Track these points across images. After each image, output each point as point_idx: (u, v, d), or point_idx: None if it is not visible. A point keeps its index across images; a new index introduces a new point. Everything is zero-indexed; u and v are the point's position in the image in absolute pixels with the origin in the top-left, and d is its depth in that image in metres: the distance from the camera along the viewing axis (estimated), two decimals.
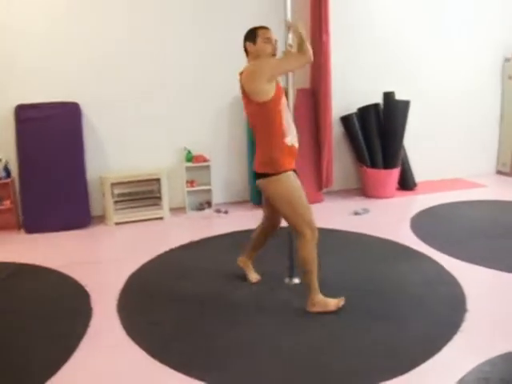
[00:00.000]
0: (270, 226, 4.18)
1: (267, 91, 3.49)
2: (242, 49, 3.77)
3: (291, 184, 3.62)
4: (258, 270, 4.41)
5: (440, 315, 3.70)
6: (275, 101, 3.52)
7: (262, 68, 3.51)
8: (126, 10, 6.29)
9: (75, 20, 6.12)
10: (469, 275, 4.40)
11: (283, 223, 3.99)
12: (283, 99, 3.65)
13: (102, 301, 4.04)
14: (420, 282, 4.30)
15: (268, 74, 3.47)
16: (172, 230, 6.15)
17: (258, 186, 3.75)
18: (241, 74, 3.67)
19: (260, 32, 3.64)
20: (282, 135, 3.58)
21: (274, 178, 3.58)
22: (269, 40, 3.63)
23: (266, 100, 3.49)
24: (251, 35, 3.67)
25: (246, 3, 6.70)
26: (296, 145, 3.69)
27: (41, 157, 5.99)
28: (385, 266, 4.69)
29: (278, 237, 4.27)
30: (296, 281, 4.24)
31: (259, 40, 3.61)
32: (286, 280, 4.28)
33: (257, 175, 3.72)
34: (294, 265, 4.19)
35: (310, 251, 3.65)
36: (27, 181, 6.02)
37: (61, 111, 6.07)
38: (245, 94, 3.60)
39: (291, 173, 3.64)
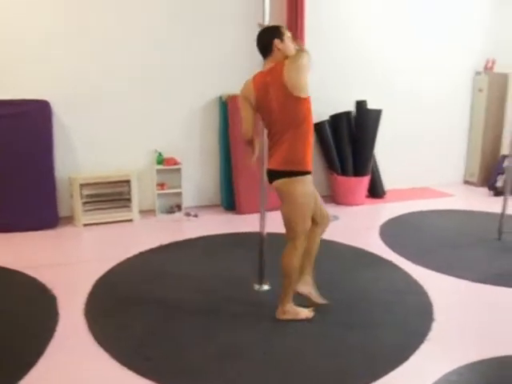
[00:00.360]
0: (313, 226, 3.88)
1: (308, 87, 3.47)
2: (257, 46, 3.64)
3: (310, 189, 3.57)
4: (226, 276, 4.40)
5: (407, 324, 3.75)
6: (309, 98, 3.51)
7: (306, 63, 3.44)
8: (101, 9, 6.21)
9: (50, 17, 6.02)
10: (436, 284, 4.48)
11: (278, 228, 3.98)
12: None
13: (69, 304, 3.98)
14: (388, 291, 4.35)
15: (309, 70, 3.46)
16: (141, 233, 6.09)
17: (276, 186, 3.61)
18: (271, 70, 3.53)
19: (284, 30, 3.59)
20: (312, 133, 3.57)
21: (299, 178, 3.50)
22: (291, 39, 3.60)
23: (307, 96, 3.46)
24: (278, 32, 3.55)
25: (223, 6, 6.70)
26: None
27: (9, 155, 5.86)
28: (353, 273, 4.74)
29: (247, 242, 4.27)
30: (266, 287, 4.25)
31: (286, 38, 3.54)
32: (256, 287, 4.28)
33: (274, 174, 3.59)
34: (264, 271, 4.21)
35: (296, 259, 3.66)
36: None
37: (30, 109, 5.95)
38: (281, 87, 3.43)
39: (311, 177, 3.58)
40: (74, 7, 6.10)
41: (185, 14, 6.56)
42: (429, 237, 5.87)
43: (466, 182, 8.87)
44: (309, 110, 3.51)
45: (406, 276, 4.66)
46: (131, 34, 6.37)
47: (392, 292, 4.32)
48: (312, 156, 3.58)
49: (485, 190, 8.28)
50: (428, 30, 8.07)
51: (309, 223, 3.66)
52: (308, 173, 3.52)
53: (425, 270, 4.78)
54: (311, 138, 3.55)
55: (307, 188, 3.54)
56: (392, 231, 6.07)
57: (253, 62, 6.36)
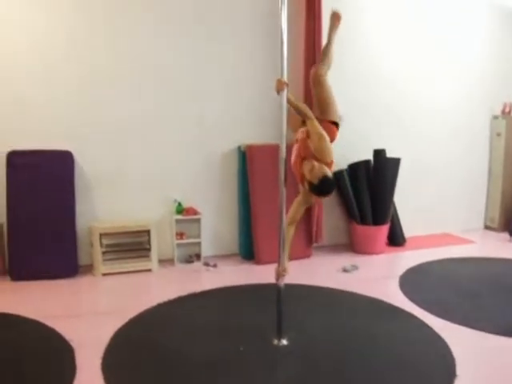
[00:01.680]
0: None
1: None
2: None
3: None
4: (244, 330, 4.36)
5: (428, 380, 3.67)
6: None
7: None
8: (116, 60, 6.37)
9: (76, 70, 6.20)
10: (458, 337, 4.37)
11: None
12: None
13: (86, 357, 3.96)
14: (408, 344, 4.27)
15: None
16: (160, 283, 6.09)
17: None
18: None
19: None
20: None
21: None
22: None
23: None
24: None
25: (241, 58, 6.84)
26: None
27: (31, 204, 5.96)
28: (372, 325, 4.65)
29: (266, 293, 4.25)
30: (284, 342, 4.19)
31: None
32: (275, 341, 4.21)
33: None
34: (282, 324, 4.17)
35: None
36: (16, 227, 5.96)
37: (53, 159, 6.09)
38: None
39: None
40: (93, 60, 6.26)
41: (205, 66, 6.69)
42: (450, 287, 5.77)
43: (487, 228, 8.80)
44: None
45: (426, 328, 4.56)
46: (151, 85, 6.51)
47: (412, 345, 4.24)
48: None
49: (506, 236, 8.18)
50: (446, 76, 8.13)
51: None
52: None
53: (446, 322, 4.68)
54: None
55: None
56: (412, 281, 5.99)
57: (272, 113, 6.52)
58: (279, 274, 4.13)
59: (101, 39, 6.27)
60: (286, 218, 4.16)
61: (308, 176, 4.01)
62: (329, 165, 4.11)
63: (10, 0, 5.91)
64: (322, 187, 3.98)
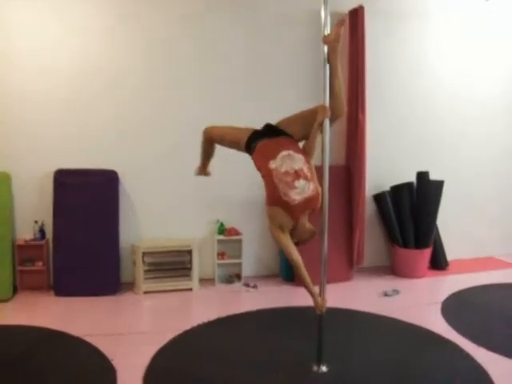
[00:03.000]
0: None
1: None
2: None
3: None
4: (283, 356, 4.34)
5: None
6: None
7: None
8: (175, 87, 6.55)
9: (123, 94, 6.41)
10: (502, 370, 4.21)
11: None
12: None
13: (127, 377, 4.02)
14: (449, 375, 4.16)
15: None
16: (200, 303, 6.14)
17: None
18: None
19: None
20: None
21: None
22: None
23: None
24: None
25: (287, 88, 6.91)
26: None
27: (76, 221, 6.11)
28: (413, 354, 4.57)
29: (306, 317, 4.21)
30: (324, 369, 4.15)
31: None
32: (314, 368, 4.17)
33: None
34: (322, 350, 4.14)
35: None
36: (61, 244, 6.12)
37: (99, 178, 6.24)
38: None
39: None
40: (135, 82, 6.44)
41: (249, 90, 6.81)
42: (494, 315, 5.62)
43: None
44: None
45: (468, 359, 4.42)
46: (196, 110, 6.61)
47: (453, 376, 4.13)
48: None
49: None
50: (497, 98, 8.04)
51: None
52: None
53: (490, 354, 4.52)
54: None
55: None
56: (455, 308, 5.86)
57: None
58: (319, 308, 4.07)
59: (146, 67, 6.47)
60: (299, 260, 3.88)
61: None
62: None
63: (64, 28, 6.18)
64: None
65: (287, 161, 3.70)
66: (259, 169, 3.93)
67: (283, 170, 3.67)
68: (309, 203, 3.67)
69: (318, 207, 3.79)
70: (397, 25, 7.32)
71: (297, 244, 3.86)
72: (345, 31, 6.82)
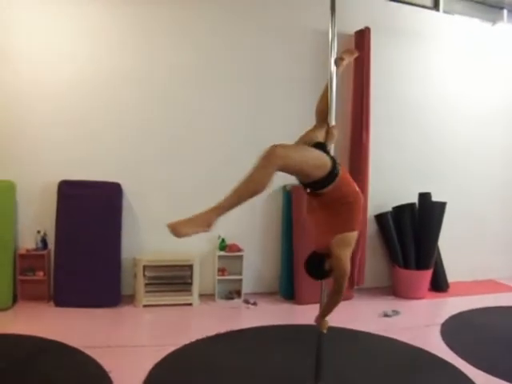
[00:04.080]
0: None
1: None
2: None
3: None
4: (281, 374, 4.33)
5: None
6: None
7: None
8: (163, 95, 6.58)
9: (127, 108, 6.47)
10: None
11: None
12: None
13: None
14: None
15: None
16: (200, 319, 6.13)
17: None
18: None
19: None
20: None
21: None
22: None
23: None
24: None
25: (288, 102, 6.96)
26: None
27: (78, 232, 6.13)
28: (410, 375, 4.56)
29: (305, 335, 4.20)
30: None
31: None
32: None
33: None
34: (320, 369, 4.13)
35: None
36: (62, 254, 6.14)
37: (103, 190, 6.27)
38: None
39: None
40: (139, 95, 6.50)
41: (256, 109, 6.90)
42: (494, 338, 5.59)
43: None
44: None
45: (467, 382, 4.41)
46: (202, 127, 6.71)
47: None
48: None
49: None
50: (493, 122, 8.10)
51: None
52: None
53: (490, 378, 4.51)
54: None
55: None
56: (454, 330, 5.83)
57: None
58: (322, 327, 4.06)
59: (151, 79, 6.54)
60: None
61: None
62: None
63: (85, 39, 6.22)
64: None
65: None
66: (346, 194, 3.47)
67: None
68: None
69: None
70: (403, 45, 7.45)
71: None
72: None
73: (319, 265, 3.67)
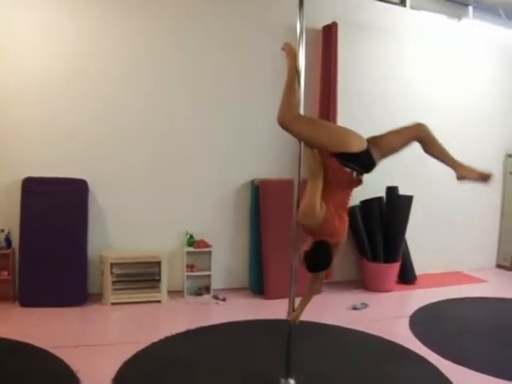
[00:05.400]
0: None
1: None
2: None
3: None
4: (250, 368, 4.32)
5: None
6: None
7: None
8: (135, 91, 6.48)
9: (90, 102, 6.32)
10: (468, 382, 4.30)
11: None
12: None
13: None
14: None
15: None
16: (169, 315, 6.08)
17: None
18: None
19: None
20: None
21: None
22: None
23: None
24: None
25: (257, 94, 6.92)
26: None
27: (43, 230, 6.01)
28: (380, 367, 4.61)
29: (275, 330, 4.20)
30: (292, 382, 4.13)
31: None
32: (282, 381, 4.15)
33: None
34: (290, 363, 4.13)
35: None
36: (27, 253, 6.01)
37: (68, 187, 6.16)
38: None
39: None
40: (107, 90, 6.38)
41: (221, 102, 6.81)
42: (461, 328, 5.70)
43: (499, 266, 8.79)
44: None
45: (436, 373, 4.47)
46: (168, 116, 6.62)
47: None
48: None
49: None
50: (459, 114, 8.21)
51: None
52: None
53: (457, 367, 4.59)
54: None
55: None
56: (422, 321, 5.92)
57: (285, 149, 6.55)
58: (292, 319, 4.07)
59: (124, 76, 6.45)
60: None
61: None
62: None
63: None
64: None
65: None
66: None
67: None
68: None
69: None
70: (370, 40, 7.50)
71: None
72: (318, 47, 6.93)
73: (325, 251, 3.70)
